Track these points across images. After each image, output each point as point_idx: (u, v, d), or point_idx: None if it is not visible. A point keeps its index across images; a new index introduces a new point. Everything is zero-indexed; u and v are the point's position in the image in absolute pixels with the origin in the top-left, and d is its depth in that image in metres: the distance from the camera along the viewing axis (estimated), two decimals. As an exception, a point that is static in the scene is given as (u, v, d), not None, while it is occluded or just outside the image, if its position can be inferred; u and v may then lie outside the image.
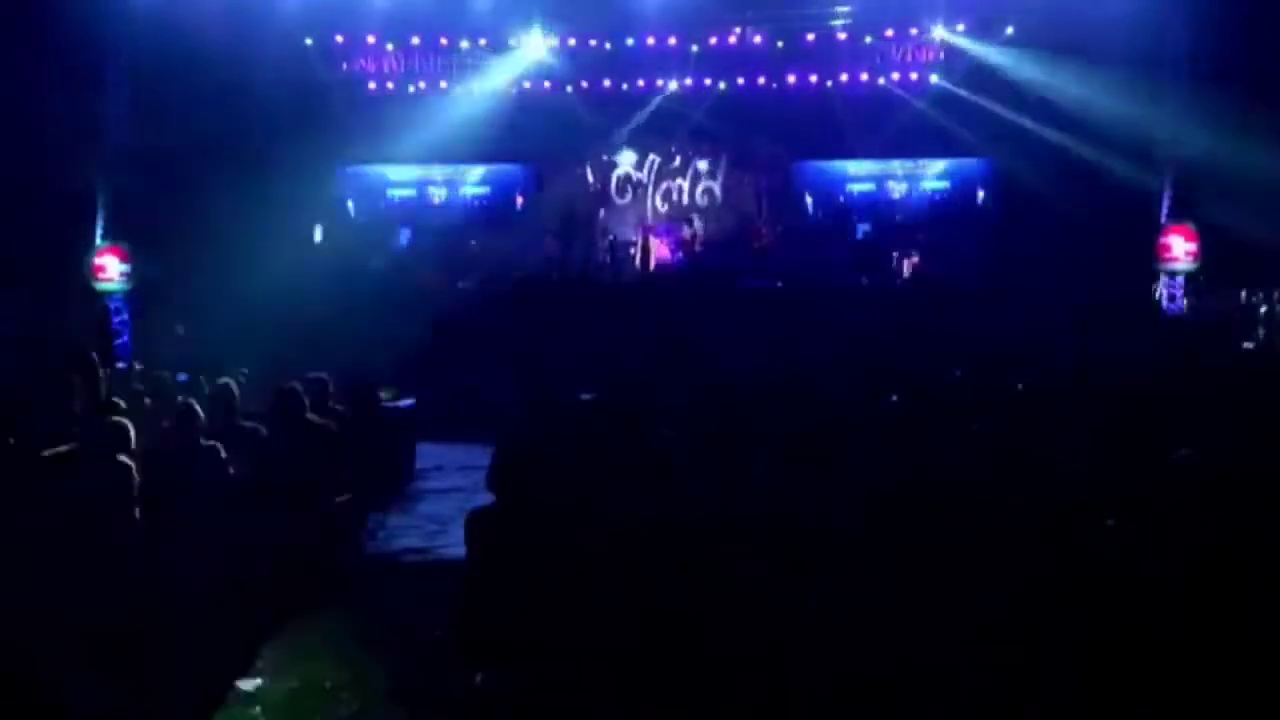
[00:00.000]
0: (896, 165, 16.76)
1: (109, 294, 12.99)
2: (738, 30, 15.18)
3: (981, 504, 3.83)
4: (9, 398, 5.43)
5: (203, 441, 5.43)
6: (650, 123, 16.31)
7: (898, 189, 16.79)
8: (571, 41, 15.21)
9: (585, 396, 6.64)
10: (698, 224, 15.97)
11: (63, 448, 5.06)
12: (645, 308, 13.42)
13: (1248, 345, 8.58)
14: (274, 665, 5.36)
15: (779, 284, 14.39)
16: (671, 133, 16.60)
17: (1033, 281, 12.97)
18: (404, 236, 16.43)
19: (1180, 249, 13.03)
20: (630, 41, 15.15)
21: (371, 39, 15.07)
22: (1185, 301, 13.10)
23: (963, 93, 15.12)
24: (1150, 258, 13.15)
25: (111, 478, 4.86)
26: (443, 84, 15.82)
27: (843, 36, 15.01)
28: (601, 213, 16.54)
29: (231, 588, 5.00)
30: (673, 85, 15.94)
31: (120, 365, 10.75)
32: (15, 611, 3.95)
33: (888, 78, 15.72)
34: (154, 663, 4.38)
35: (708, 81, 15.82)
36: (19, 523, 4.35)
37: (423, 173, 17.11)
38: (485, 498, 4.28)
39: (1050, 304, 11.98)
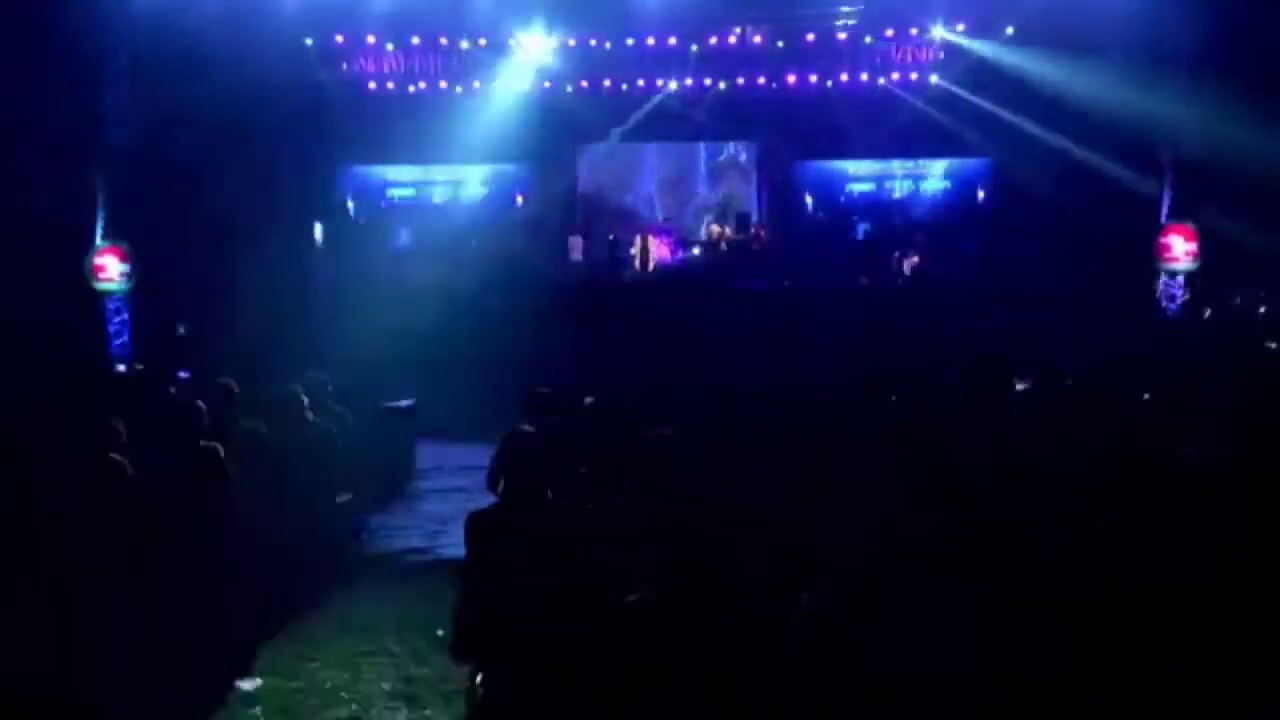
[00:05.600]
0: (896, 165, 16.78)
1: (109, 294, 12.97)
2: (738, 30, 15.18)
3: (982, 504, 3.83)
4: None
5: (203, 443, 5.42)
6: (650, 123, 16.32)
7: (898, 189, 16.81)
8: (571, 42, 15.20)
9: (586, 399, 6.64)
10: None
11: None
12: (645, 308, 13.43)
13: (1271, 345, 8.61)
14: (274, 665, 5.37)
15: (766, 284, 14.41)
16: (671, 133, 16.59)
17: (1033, 281, 12.95)
18: (404, 236, 16.44)
19: (1180, 249, 13.02)
20: (630, 41, 15.16)
21: (371, 39, 15.07)
22: (1185, 301, 13.09)
23: (963, 93, 15.12)
24: (1150, 258, 13.16)
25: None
26: (443, 84, 15.83)
27: (843, 36, 15.01)
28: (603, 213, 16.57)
29: (231, 587, 5.00)
30: (673, 85, 15.94)
31: (120, 367, 10.74)
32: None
33: (888, 78, 15.73)
34: (154, 662, 4.38)
35: (708, 81, 15.81)
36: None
37: (423, 173, 17.12)
38: (485, 498, 4.29)
39: (1050, 304, 11.96)
